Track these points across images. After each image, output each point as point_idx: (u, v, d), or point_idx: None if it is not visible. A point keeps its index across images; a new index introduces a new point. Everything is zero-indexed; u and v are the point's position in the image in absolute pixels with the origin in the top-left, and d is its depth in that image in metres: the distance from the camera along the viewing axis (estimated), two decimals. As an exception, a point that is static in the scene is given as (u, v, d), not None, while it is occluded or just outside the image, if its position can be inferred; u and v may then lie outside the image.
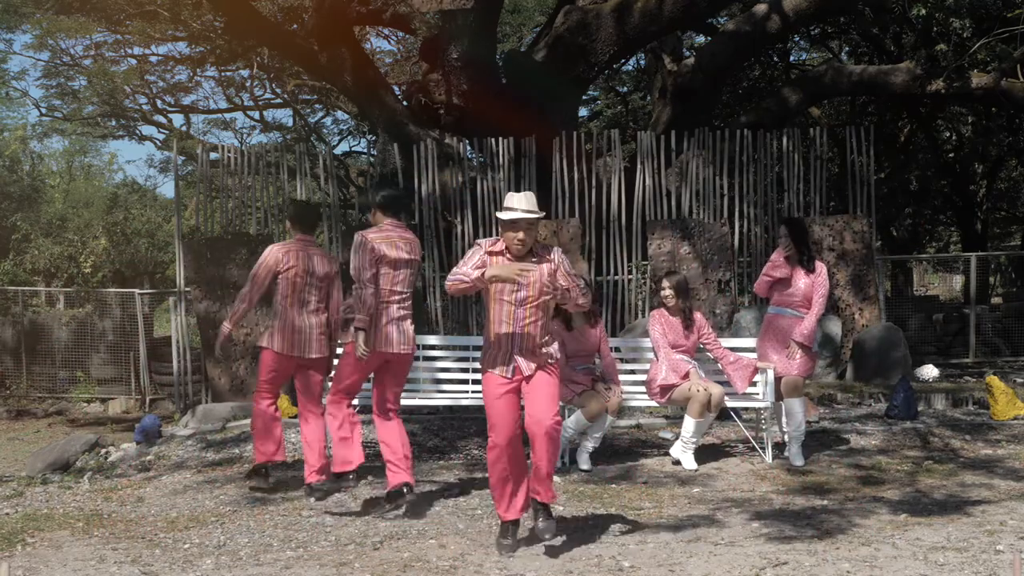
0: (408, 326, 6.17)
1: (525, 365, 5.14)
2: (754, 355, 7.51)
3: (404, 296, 6.12)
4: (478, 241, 5.24)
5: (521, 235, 5.00)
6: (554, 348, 5.27)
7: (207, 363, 10.60)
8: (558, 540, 5.25)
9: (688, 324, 7.34)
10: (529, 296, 5.08)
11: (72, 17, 18.34)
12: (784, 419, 7.34)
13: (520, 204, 5.02)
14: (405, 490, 5.99)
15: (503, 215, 5.04)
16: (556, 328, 7.15)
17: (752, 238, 11.83)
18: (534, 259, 5.09)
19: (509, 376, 5.14)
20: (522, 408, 5.23)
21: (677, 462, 7.19)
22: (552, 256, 5.14)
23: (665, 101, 14.74)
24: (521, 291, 5.06)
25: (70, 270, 20.03)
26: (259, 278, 6.41)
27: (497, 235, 5.22)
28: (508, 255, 5.08)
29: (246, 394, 9.91)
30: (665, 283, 7.42)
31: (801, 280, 7.23)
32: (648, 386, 7.42)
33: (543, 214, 5.22)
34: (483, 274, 4.99)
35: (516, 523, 5.23)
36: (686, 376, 7.21)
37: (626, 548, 5.22)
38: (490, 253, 5.09)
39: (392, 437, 6.11)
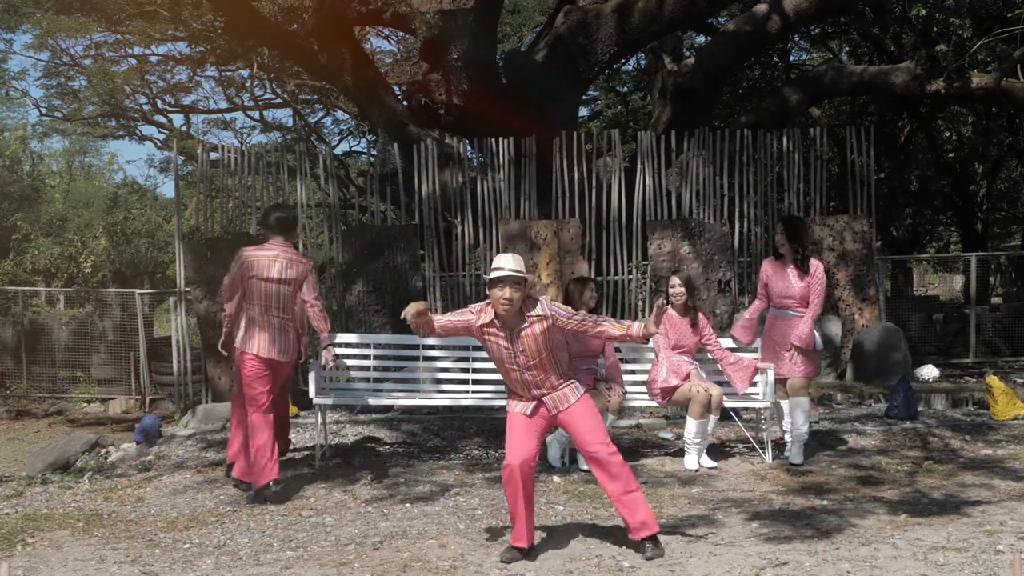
0: (290, 336, 6.64)
1: (551, 402, 5.16)
2: (754, 355, 7.51)
3: (284, 309, 6.61)
4: (469, 308, 5.18)
5: (507, 292, 4.95)
6: (576, 384, 5.25)
7: (207, 363, 10.60)
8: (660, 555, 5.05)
9: (694, 323, 7.33)
10: (529, 361, 5.08)
11: (72, 17, 18.34)
12: (787, 419, 7.34)
13: (507, 264, 5.01)
14: (272, 485, 6.39)
15: (491, 274, 5.03)
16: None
17: (752, 238, 11.82)
18: (524, 323, 5.04)
19: (529, 413, 5.15)
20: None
21: (700, 465, 7.18)
22: (542, 310, 5.06)
23: (665, 101, 14.74)
24: (519, 358, 5.07)
25: (70, 270, 20.03)
26: None
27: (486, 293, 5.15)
28: (496, 322, 5.05)
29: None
30: (675, 280, 7.38)
31: (797, 280, 7.21)
32: (649, 387, 7.42)
33: (530, 277, 5.21)
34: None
35: (522, 549, 5.12)
36: (687, 378, 7.21)
37: (626, 548, 5.22)
38: (481, 328, 5.07)
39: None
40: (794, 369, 7.18)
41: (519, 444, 5.10)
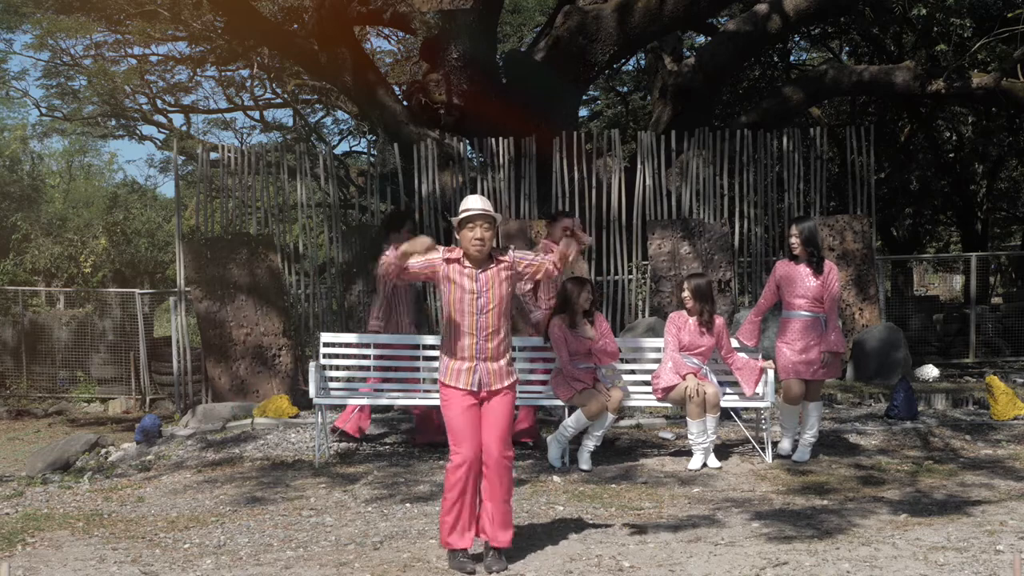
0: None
1: (490, 379, 5.00)
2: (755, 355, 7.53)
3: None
4: (438, 249, 5.07)
5: (478, 232, 4.91)
6: (514, 366, 5.17)
7: (207, 363, 10.59)
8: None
9: (706, 328, 7.32)
10: (489, 305, 4.97)
11: (72, 17, 18.34)
12: (807, 421, 7.34)
13: (476, 204, 4.98)
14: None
15: (460, 215, 4.97)
16: (558, 326, 7.16)
17: (752, 238, 11.82)
18: (492, 264, 4.98)
19: (476, 389, 4.99)
20: None
21: (705, 465, 7.18)
22: (509, 257, 5.05)
23: (665, 101, 14.74)
24: (481, 298, 4.96)
25: (70, 270, 20.04)
26: None
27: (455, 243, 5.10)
28: (466, 261, 4.98)
29: (246, 394, 9.90)
30: (685, 285, 7.44)
31: (810, 280, 7.22)
32: (652, 383, 7.44)
33: (499, 216, 5.14)
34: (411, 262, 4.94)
35: (466, 550, 4.98)
36: (686, 377, 7.22)
37: (626, 548, 5.22)
38: (447, 260, 4.98)
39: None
40: (816, 371, 7.20)
41: (472, 432, 4.95)
